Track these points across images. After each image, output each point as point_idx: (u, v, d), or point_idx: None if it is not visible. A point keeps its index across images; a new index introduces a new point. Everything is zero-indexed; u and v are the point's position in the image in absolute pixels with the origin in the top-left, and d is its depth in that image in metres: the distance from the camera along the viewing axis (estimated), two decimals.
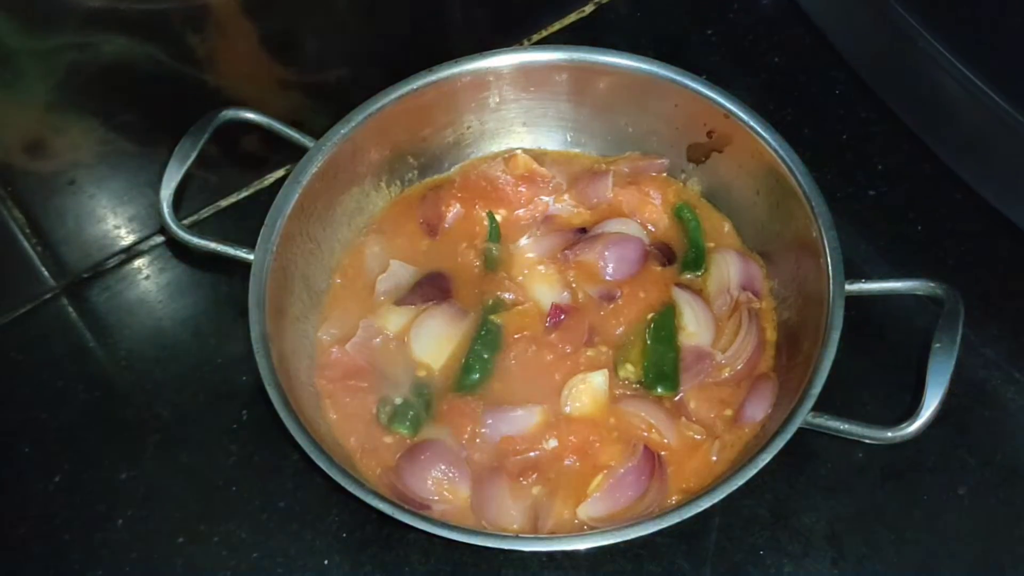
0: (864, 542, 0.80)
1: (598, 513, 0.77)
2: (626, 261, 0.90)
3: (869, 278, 0.80)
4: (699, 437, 0.81)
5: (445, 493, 0.79)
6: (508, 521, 0.77)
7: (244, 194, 1.04)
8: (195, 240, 0.84)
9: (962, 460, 0.84)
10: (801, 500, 0.82)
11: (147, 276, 0.99)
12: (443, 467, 0.79)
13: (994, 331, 0.90)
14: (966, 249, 0.95)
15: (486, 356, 0.85)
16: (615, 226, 0.92)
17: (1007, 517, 0.81)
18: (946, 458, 0.84)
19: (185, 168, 0.85)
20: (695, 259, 0.91)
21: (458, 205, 0.94)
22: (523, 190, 0.95)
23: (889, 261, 0.95)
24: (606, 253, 0.90)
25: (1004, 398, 0.86)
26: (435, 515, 0.76)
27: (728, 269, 0.89)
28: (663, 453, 0.80)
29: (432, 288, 0.89)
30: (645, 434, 0.81)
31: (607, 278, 0.90)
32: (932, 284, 0.78)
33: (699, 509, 0.70)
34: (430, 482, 0.78)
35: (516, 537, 0.72)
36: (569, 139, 0.98)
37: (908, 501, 0.82)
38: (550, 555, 0.81)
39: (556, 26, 1.15)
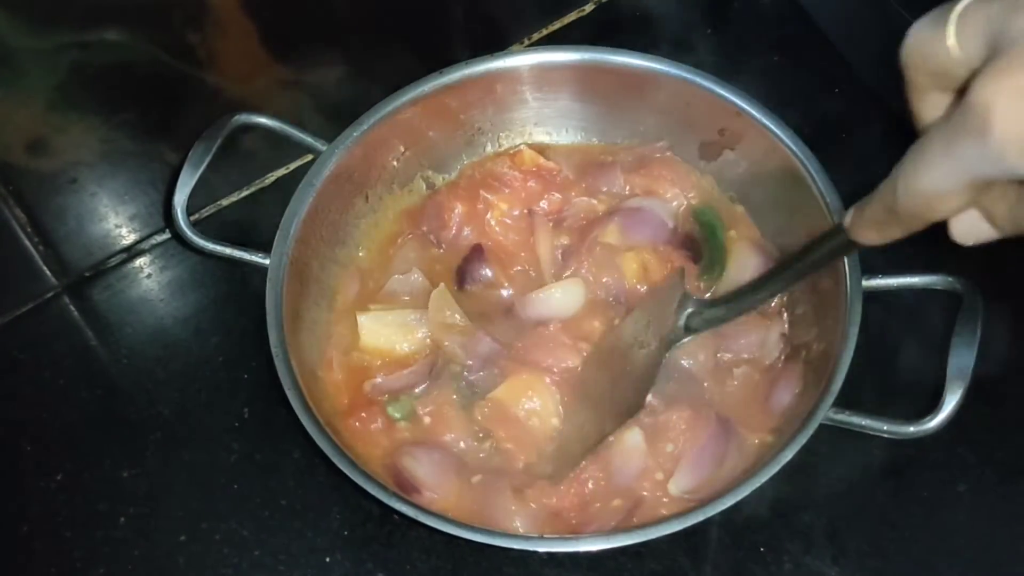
0: (864, 540, 0.81)
1: (689, 485, 0.77)
2: (647, 224, 0.89)
3: (884, 274, 0.79)
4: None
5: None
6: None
7: (245, 193, 1.03)
8: (210, 246, 0.83)
9: (962, 458, 0.84)
10: (801, 498, 0.82)
11: (148, 275, 0.99)
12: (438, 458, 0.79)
13: (994, 327, 0.89)
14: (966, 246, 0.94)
15: None
16: (634, 203, 0.91)
17: (1007, 514, 0.81)
18: (946, 455, 0.84)
19: (199, 173, 0.84)
20: (716, 262, 0.89)
21: (460, 205, 0.93)
22: (533, 185, 0.94)
23: (889, 257, 0.95)
24: (624, 222, 0.88)
25: (1004, 395, 0.86)
26: (425, 500, 0.76)
27: (748, 263, 0.88)
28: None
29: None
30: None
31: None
32: (951, 279, 0.77)
33: (722, 507, 0.69)
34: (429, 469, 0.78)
35: (535, 538, 0.72)
36: (581, 140, 0.98)
37: (908, 499, 0.82)
38: (551, 552, 0.81)
39: (556, 25, 1.15)
